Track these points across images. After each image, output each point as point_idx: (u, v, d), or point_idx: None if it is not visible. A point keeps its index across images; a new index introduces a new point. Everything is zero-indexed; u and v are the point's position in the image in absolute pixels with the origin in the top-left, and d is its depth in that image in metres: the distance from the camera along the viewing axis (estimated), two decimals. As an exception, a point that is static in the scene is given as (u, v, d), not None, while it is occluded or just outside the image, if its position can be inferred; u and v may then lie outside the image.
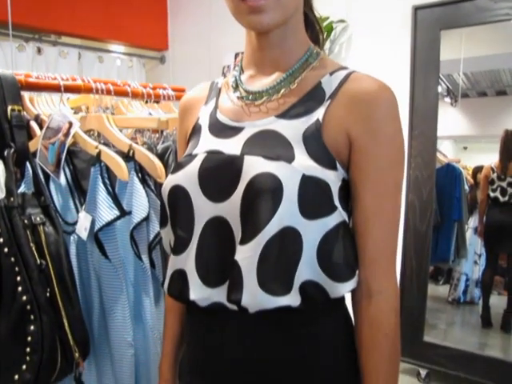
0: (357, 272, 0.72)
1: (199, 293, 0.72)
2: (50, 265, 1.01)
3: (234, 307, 0.70)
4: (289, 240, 0.67)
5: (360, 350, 0.72)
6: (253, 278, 0.67)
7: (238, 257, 0.68)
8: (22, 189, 1.12)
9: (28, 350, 0.97)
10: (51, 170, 1.17)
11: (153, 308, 1.15)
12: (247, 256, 0.67)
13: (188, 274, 0.74)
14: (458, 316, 3.87)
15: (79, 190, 1.25)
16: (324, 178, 0.69)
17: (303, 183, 0.67)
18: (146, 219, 1.10)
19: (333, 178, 0.70)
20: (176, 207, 0.76)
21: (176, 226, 0.77)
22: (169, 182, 0.76)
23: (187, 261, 0.74)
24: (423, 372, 2.48)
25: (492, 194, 3.42)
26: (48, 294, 1.00)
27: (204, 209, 0.73)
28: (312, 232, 0.68)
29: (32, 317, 0.97)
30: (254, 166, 0.68)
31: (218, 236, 0.72)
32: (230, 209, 0.70)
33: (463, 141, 4.06)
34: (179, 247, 0.76)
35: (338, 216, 0.70)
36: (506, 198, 3.38)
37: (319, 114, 0.72)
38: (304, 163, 0.68)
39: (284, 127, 0.73)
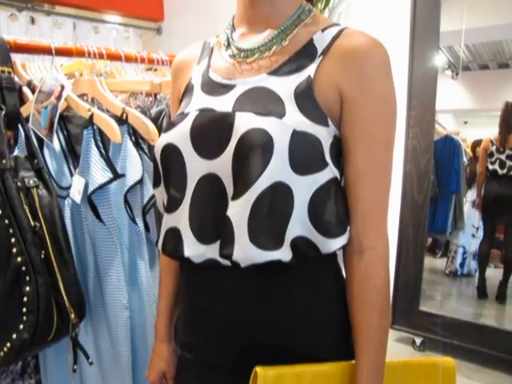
0: (348, 228, 0.72)
1: (193, 249, 0.73)
2: (44, 227, 1.01)
3: (227, 263, 0.70)
4: (279, 195, 0.67)
5: (351, 305, 0.73)
6: (244, 233, 0.67)
7: (229, 212, 0.68)
8: (15, 153, 1.12)
9: (24, 310, 0.97)
10: (44, 134, 1.17)
11: (148, 271, 1.16)
12: (238, 211, 0.67)
13: (182, 232, 0.74)
14: (454, 288, 3.91)
15: (73, 155, 1.24)
16: (315, 133, 0.68)
17: (294, 138, 0.66)
18: (140, 182, 1.10)
19: (324, 134, 0.70)
20: (168, 166, 0.76)
21: (169, 185, 0.77)
22: (161, 140, 0.76)
23: (181, 218, 0.74)
24: (418, 340, 2.51)
25: (491, 167, 3.41)
26: (43, 256, 1.00)
27: (196, 166, 0.73)
28: (303, 187, 0.68)
29: (27, 278, 0.98)
30: (245, 121, 0.68)
31: (210, 193, 0.72)
32: (222, 165, 0.70)
33: (464, 115, 4.03)
34: (172, 205, 0.76)
35: (329, 172, 0.70)
36: (505, 171, 3.37)
37: (311, 70, 0.71)
38: (295, 119, 0.68)
39: (275, 84, 0.72)
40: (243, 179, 0.67)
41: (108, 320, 1.15)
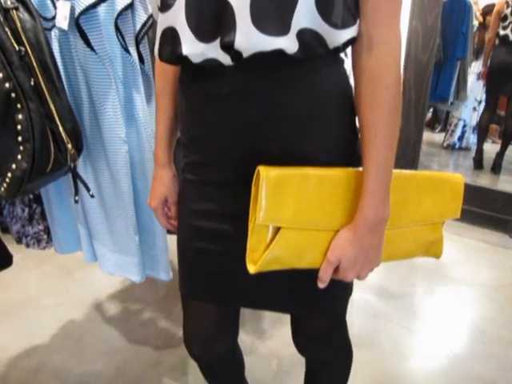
0: (358, 22, 0.66)
1: (192, 47, 0.67)
2: (30, 52, 0.95)
3: (228, 61, 0.65)
4: None
5: (359, 105, 0.69)
6: (246, 16, 0.61)
7: None
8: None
9: (20, 139, 0.95)
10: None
11: (144, 106, 1.11)
12: None
13: (179, 30, 0.68)
14: (451, 160, 3.96)
15: (54, -16, 1.13)
16: None
17: None
18: (131, 7, 1.01)
19: None
20: None
21: None
22: None
23: (177, 16, 0.68)
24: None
25: (502, 32, 3.23)
26: (32, 83, 0.95)
27: None
28: None
29: (19, 106, 0.94)
30: None
31: None
32: None
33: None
34: (167, 2, 0.69)
35: None
36: (517, 37, 3.21)
37: None
38: None
39: None
40: None
41: (107, 156, 1.13)
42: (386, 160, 0.67)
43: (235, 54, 0.64)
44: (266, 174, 0.65)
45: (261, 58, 0.64)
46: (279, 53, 0.63)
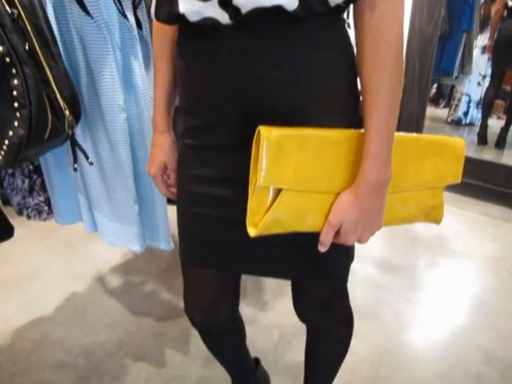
0: None
1: (189, 5, 0.65)
2: (23, 15, 0.92)
3: (226, 20, 0.63)
4: None
5: (361, 65, 0.67)
6: None
7: None
8: None
9: (16, 105, 0.93)
10: None
11: (143, 72, 1.09)
12: None
13: None
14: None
15: None
16: None
17: None
18: (127, -32, 0.98)
19: None
20: None
21: None
22: None
23: None
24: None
25: (510, 3, 3.15)
26: (27, 47, 0.93)
27: None
28: None
29: (13, 71, 0.92)
30: None
31: None
32: None
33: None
34: None
35: None
36: (525, 8, 3.13)
37: None
38: None
39: None
40: None
41: (105, 124, 1.12)
42: (388, 121, 0.66)
43: (233, 11, 0.62)
44: (268, 134, 0.64)
45: (260, 16, 0.62)
46: (278, 10, 0.61)
